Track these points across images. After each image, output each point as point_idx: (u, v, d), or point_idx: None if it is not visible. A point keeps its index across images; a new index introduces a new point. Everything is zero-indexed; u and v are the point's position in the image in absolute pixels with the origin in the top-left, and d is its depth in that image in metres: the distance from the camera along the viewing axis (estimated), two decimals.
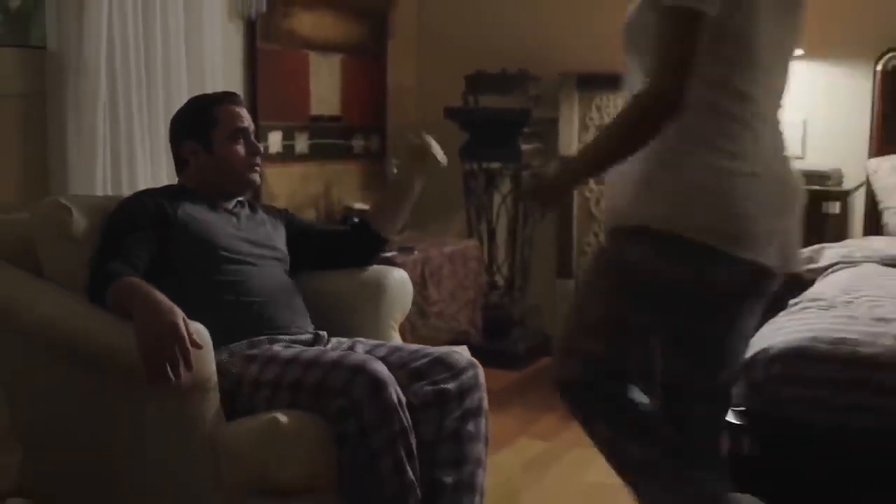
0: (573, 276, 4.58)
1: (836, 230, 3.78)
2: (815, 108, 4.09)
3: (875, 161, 3.85)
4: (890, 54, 3.89)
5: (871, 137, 3.95)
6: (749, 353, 2.15)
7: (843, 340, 2.10)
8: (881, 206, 3.78)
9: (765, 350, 2.14)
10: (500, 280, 4.61)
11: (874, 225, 3.84)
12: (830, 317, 2.28)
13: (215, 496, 2.11)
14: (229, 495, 2.10)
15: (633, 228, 1.86)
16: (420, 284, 3.95)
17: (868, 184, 3.88)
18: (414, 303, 3.87)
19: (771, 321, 2.35)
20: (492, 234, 4.60)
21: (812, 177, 3.79)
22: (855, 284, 2.68)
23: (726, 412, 2.05)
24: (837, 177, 3.88)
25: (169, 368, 1.99)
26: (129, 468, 2.25)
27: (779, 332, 2.22)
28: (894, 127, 3.89)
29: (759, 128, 1.85)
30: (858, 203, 3.99)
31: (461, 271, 4.03)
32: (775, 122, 1.91)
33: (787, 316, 2.37)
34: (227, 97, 2.65)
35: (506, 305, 4.52)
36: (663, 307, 1.86)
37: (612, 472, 2.12)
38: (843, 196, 3.81)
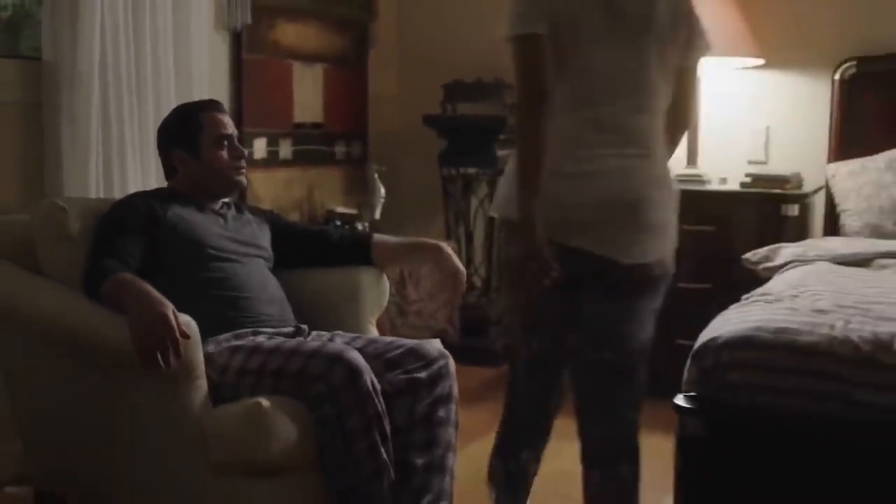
0: None
1: (796, 231, 3.92)
2: (777, 116, 4.27)
3: (833, 166, 4.01)
4: (846, 64, 4.05)
5: (830, 143, 4.10)
6: (699, 342, 2.32)
7: (784, 330, 2.25)
8: (839, 208, 3.94)
9: (714, 339, 2.29)
10: (477, 281, 4.74)
11: (833, 226, 3.99)
12: (775, 309, 2.43)
13: (204, 476, 2.25)
14: (217, 475, 2.24)
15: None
16: (399, 284, 4.07)
17: (827, 187, 4.05)
18: (394, 302, 4.00)
19: (722, 314, 2.51)
20: (469, 237, 4.74)
21: (773, 180, 3.97)
22: (803, 281, 2.83)
23: (620, 388, 2.29)
24: (797, 180, 4.04)
25: (160, 356, 2.12)
26: (122, 452, 2.39)
27: (727, 323, 2.37)
28: (852, 133, 4.04)
29: (589, 135, 2.19)
30: (819, 205, 4.16)
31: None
32: (622, 130, 2.21)
33: (737, 309, 2.52)
34: (210, 105, 2.76)
35: (483, 305, 4.65)
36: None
37: (580, 461, 2.39)
38: (802, 199, 3.97)
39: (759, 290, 2.75)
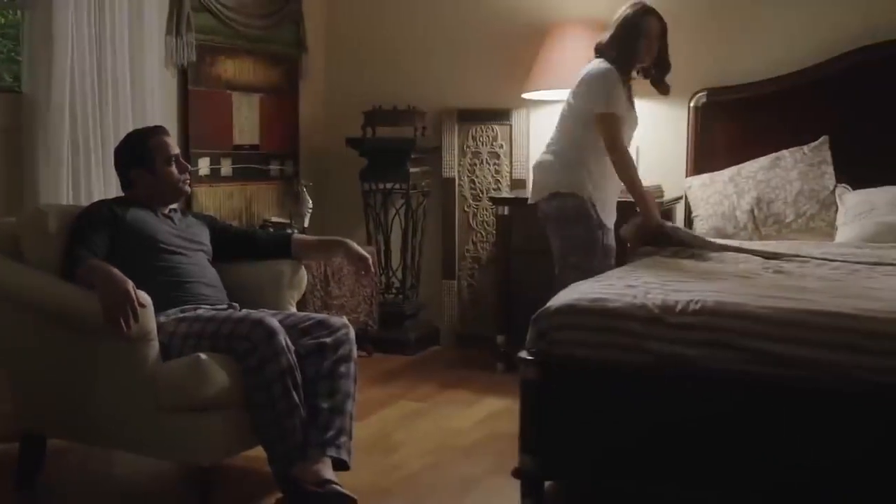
0: (456, 277, 5.33)
1: None
2: (645, 138, 4.72)
3: (690, 179, 4.66)
4: (699, 94, 4.70)
5: (687, 160, 4.73)
6: (540, 309, 2.96)
7: (598, 300, 2.87)
8: (693, 214, 4.59)
9: (547, 308, 2.91)
10: (395, 281, 5.27)
11: (689, 229, 4.59)
12: (598, 286, 3.05)
13: (156, 414, 2.82)
14: (166, 412, 2.80)
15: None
16: (324, 282, 4.60)
17: (686, 197, 4.70)
18: (319, 297, 4.55)
19: (562, 290, 3.13)
20: (387, 243, 5.24)
21: None
22: (635, 268, 3.48)
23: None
24: (657, 192, 4.60)
25: (122, 321, 2.68)
26: (92, 399, 2.92)
27: (562, 295, 3.01)
28: (704, 152, 4.68)
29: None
30: (681, 212, 4.79)
31: (348, 261, 4.57)
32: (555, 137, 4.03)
33: (574, 287, 3.15)
34: (157, 130, 3.28)
35: (400, 302, 5.20)
36: None
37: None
38: (659, 207, 4.45)
39: (597, 276, 3.40)
